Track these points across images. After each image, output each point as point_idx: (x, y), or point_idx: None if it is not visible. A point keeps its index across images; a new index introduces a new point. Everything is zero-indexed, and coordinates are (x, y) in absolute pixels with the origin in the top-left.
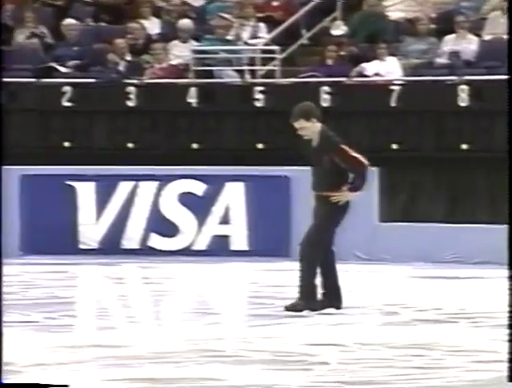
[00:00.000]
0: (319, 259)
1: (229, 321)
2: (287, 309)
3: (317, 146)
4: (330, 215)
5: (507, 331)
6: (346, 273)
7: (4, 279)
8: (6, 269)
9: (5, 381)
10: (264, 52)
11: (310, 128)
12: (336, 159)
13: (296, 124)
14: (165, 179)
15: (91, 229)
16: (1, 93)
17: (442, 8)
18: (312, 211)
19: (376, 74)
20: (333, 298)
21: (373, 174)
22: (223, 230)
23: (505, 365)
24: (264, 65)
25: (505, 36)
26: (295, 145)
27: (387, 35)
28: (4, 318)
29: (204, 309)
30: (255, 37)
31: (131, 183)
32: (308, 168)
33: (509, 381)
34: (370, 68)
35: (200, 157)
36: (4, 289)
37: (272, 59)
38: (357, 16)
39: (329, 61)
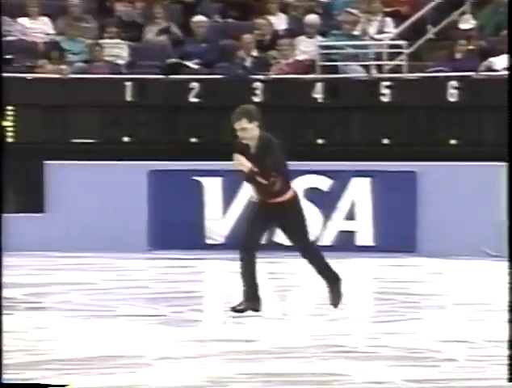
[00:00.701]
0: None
1: (355, 316)
2: (333, 305)
3: (256, 152)
4: (300, 217)
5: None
6: (474, 269)
7: (133, 273)
8: (134, 263)
9: (5, 381)
10: (391, 46)
11: (250, 131)
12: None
13: (237, 125)
14: (290, 175)
15: (218, 224)
16: (1, 91)
17: None
18: (263, 217)
19: (505, 69)
20: (255, 300)
21: (501, 169)
22: (348, 226)
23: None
24: (391, 60)
25: None
26: (421, 140)
27: None
28: (133, 312)
29: (329, 305)
30: (382, 32)
31: None
32: (435, 164)
33: (510, 382)
34: (499, 62)
35: (326, 152)
36: (132, 283)
37: (399, 54)
38: (486, 10)
39: (458, 56)
